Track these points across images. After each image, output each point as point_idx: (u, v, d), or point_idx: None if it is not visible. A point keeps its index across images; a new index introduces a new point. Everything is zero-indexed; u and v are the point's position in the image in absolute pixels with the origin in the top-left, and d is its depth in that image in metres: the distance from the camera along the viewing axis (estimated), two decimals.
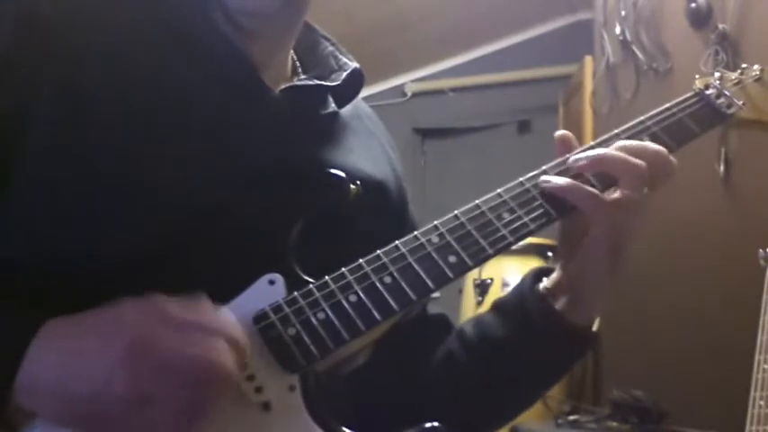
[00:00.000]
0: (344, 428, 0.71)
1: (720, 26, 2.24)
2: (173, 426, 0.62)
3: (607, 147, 0.84)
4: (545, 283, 0.86)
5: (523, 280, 0.89)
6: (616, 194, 0.79)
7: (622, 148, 0.82)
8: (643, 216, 0.80)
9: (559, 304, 0.84)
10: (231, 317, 0.68)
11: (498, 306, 0.90)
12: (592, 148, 0.85)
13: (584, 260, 0.82)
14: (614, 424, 2.29)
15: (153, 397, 0.61)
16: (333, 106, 0.87)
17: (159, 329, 0.63)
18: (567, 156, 0.84)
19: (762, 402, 1.51)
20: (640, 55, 2.67)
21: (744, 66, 1.00)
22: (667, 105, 0.91)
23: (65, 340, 0.63)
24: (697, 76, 0.97)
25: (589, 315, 0.86)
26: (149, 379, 0.61)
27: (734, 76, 0.98)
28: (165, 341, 0.63)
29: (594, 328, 0.87)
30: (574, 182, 0.80)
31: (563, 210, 0.80)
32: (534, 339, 0.85)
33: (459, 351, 0.89)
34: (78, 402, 0.62)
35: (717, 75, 0.97)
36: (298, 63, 0.91)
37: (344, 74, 0.88)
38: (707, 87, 0.95)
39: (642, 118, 0.89)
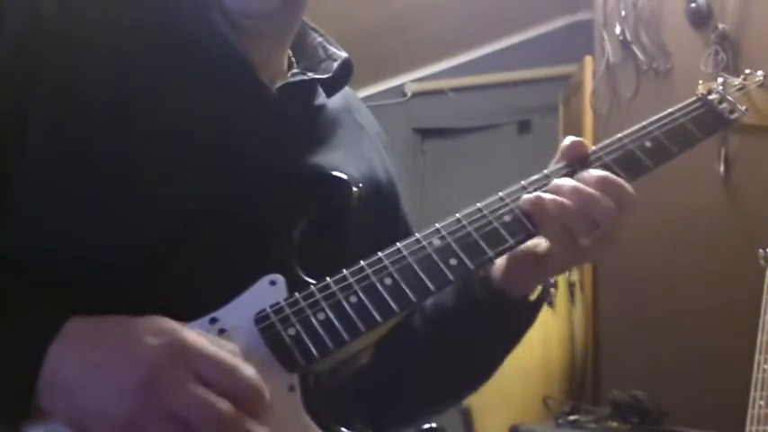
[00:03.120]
0: (343, 429, 0.71)
1: (720, 26, 2.25)
2: None
3: (608, 154, 0.85)
4: None
5: None
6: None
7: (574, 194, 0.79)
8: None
9: (495, 275, 0.87)
10: (257, 377, 0.65)
11: None
12: (595, 153, 0.85)
13: (529, 260, 0.84)
14: (614, 424, 2.30)
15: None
16: (323, 97, 0.88)
17: (181, 375, 0.62)
18: (572, 163, 0.84)
19: (762, 402, 1.52)
20: (640, 55, 2.67)
21: (747, 71, 1.00)
22: (670, 110, 0.91)
23: (86, 347, 0.63)
24: (700, 82, 0.97)
25: (524, 289, 0.87)
26: (152, 419, 0.61)
27: (737, 81, 0.98)
28: (182, 389, 0.61)
29: (533, 297, 0.88)
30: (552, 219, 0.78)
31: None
32: (476, 307, 0.87)
33: (418, 322, 0.92)
34: (84, 412, 0.62)
35: (720, 80, 0.97)
36: (293, 58, 0.91)
37: (335, 64, 0.89)
38: (710, 92, 0.95)
39: (645, 123, 0.89)
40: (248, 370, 0.64)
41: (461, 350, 0.91)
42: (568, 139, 0.86)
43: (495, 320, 0.88)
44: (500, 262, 0.86)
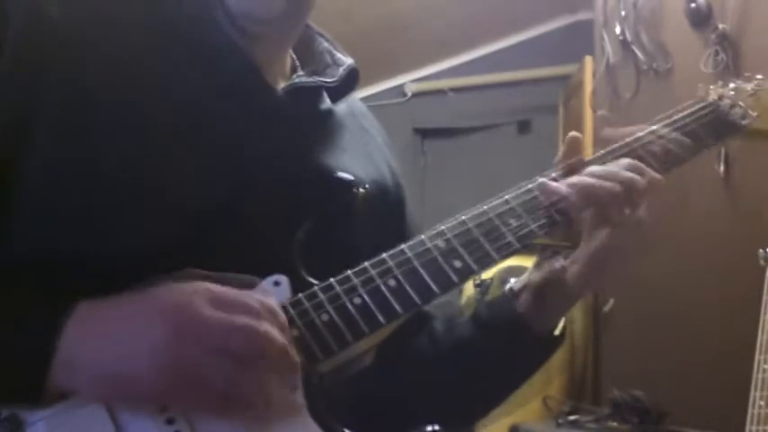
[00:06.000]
0: (345, 429, 0.71)
1: (720, 26, 2.25)
2: (217, 400, 0.63)
3: (612, 158, 0.85)
4: (512, 283, 0.88)
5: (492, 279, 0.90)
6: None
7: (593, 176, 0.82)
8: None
9: (521, 306, 0.86)
10: (268, 296, 0.69)
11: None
12: (604, 157, 0.85)
13: (575, 265, 0.83)
14: (614, 424, 2.30)
15: (197, 371, 0.62)
16: (328, 102, 0.88)
17: (201, 304, 0.64)
18: (577, 160, 0.84)
19: (762, 402, 1.52)
20: (640, 55, 2.67)
21: (759, 76, 1.00)
22: (681, 115, 0.91)
23: (103, 317, 0.64)
24: (711, 87, 0.97)
25: (550, 320, 0.87)
26: (193, 353, 0.62)
27: (749, 87, 0.98)
28: (208, 315, 0.63)
29: (557, 332, 0.87)
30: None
31: (570, 216, 0.81)
32: (496, 339, 0.86)
33: (428, 347, 0.91)
34: (120, 378, 0.62)
35: (732, 86, 0.97)
36: (297, 61, 0.91)
37: (341, 69, 0.89)
38: (721, 98, 0.95)
39: (655, 127, 0.89)
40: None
41: (474, 380, 0.89)
42: (569, 136, 0.86)
43: (519, 354, 0.87)
44: (527, 295, 0.86)
